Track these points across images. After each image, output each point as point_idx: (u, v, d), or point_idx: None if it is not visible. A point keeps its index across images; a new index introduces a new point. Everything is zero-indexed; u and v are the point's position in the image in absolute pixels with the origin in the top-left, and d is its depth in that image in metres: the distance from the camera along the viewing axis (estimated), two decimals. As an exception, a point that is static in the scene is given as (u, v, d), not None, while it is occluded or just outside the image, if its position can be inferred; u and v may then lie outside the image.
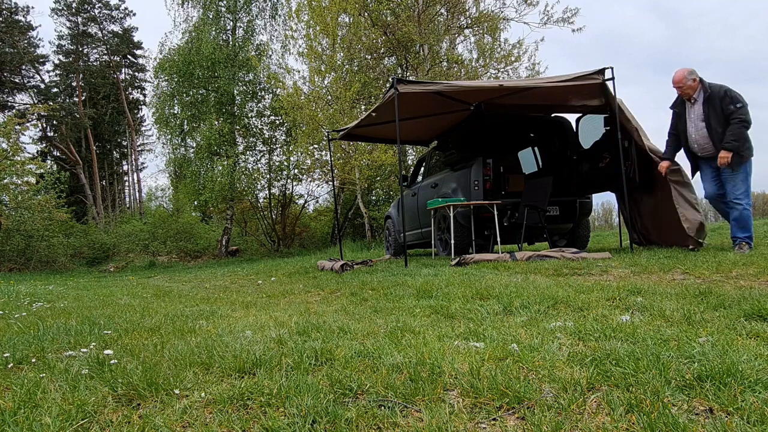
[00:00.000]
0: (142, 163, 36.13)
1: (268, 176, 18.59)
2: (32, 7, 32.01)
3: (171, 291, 5.37)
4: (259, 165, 18.53)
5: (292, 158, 17.65)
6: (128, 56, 31.96)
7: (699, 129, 4.60)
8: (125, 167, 34.99)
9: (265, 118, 18.29)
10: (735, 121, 4.35)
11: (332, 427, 1.25)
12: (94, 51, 30.75)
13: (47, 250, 16.09)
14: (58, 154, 26.97)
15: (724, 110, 4.39)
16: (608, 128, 5.82)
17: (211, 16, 17.02)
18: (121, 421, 1.34)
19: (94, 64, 30.30)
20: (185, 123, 17.89)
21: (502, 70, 14.12)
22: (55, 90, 28.24)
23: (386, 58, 14.91)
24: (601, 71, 5.29)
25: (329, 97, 13.45)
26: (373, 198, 18.78)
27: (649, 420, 1.16)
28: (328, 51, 13.41)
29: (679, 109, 4.77)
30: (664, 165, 4.92)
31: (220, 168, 16.66)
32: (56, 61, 28.90)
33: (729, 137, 4.35)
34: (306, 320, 2.60)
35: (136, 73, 33.09)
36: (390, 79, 7.07)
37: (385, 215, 9.45)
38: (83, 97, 28.38)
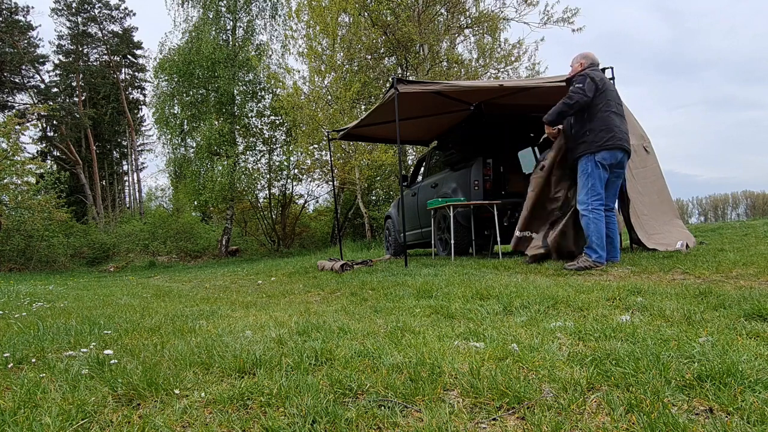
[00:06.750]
0: (142, 163, 36.22)
1: (268, 176, 18.59)
2: (32, 7, 31.99)
3: (171, 291, 5.37)
4: (259, 165, 18.55)
5: (292, 158, 17.66)
6: (128, 56, 31.99)
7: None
8: (125, 167, 35.04)
9: (265, 118, 18.30)
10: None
11: (332, 427, 1.25)
12: (94, 51, 30.80)
13: (47, 250, 16.09)
14: (58, 154, 26.97)
15: None
16: None
17: (211, 16, 17.01)
18: (121, 421, 1.34)
19: (94, 64, 30.32)
20: (185, 123, 17.89)
21: (502, 70, 14.15)
22: (55, 90, 28.23)
23: (386, 58, 14.91)
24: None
25: (329, 97, 13.44)
26: (373, 198, 18.77)
27: (649, 420, 1.16)
28: (328, 51, 13.41)
29: None
30: None
31: (220, 168, 16.65)
32: (56, 61, 28.95)
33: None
34: (306, 320, 2.60)
35: (136, 73, 33.14)
36: (390, 79, 7.07)
37: (385, 215, 9.44)
38: (83, 97, 28.39)
